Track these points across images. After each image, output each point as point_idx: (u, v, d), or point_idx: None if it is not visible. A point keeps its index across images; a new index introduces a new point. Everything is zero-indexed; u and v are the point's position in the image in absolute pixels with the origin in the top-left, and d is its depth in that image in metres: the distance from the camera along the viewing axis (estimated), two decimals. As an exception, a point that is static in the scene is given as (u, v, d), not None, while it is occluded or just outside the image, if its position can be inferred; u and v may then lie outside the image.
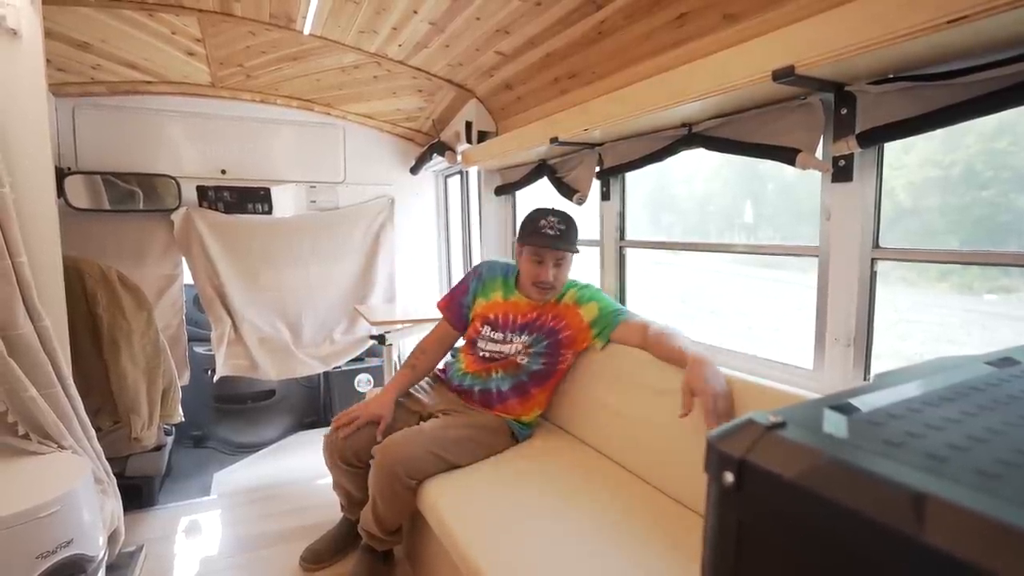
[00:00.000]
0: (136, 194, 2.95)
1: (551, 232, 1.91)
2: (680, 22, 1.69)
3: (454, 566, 1.48)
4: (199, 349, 3.28)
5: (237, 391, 3.32)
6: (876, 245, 1.39)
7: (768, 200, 2.71)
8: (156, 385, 2.40)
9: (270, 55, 2.72)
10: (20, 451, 1.52)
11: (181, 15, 2.32)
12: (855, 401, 0.47)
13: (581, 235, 2.06)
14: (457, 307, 2.17)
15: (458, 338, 2.20)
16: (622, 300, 2.35)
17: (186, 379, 3.04)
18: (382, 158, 3.66)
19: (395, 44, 2.55)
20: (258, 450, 3.25)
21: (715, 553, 0.43)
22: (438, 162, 3.32)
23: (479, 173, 3.14)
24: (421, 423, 1.93)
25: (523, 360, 2.00)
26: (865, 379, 1.44)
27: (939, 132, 1.26)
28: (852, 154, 1.35)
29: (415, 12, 2.19)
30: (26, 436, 1.52)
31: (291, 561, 2.07)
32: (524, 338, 2.01)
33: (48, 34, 2.19)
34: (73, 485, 1.41)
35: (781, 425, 0.41)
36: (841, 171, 1.39)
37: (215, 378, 3.10)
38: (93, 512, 1.50)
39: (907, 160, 1.69)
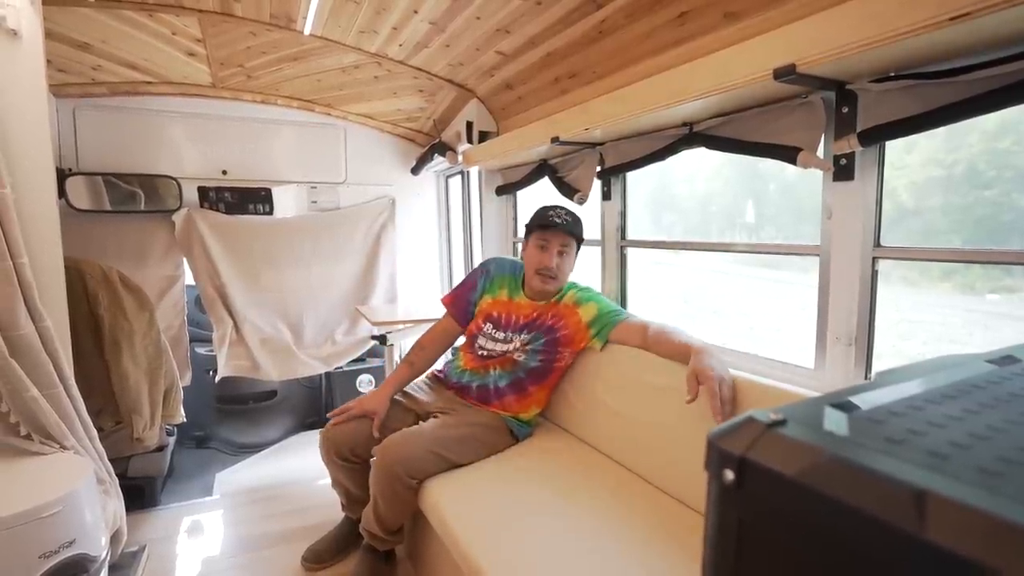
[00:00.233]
0: (137, 195, 2.95)
1: (558, 220, 1.97)
2: (681, 21, 1.69)
3: (456, 565, 1.48)
4: (201, 350, 3.28)
5: (239, 391, 3.33)
6: (877, 244, 1.39)
7: (769, 199, 2.71)
8: (158, 386, 2.41)
9: (271, 55, 2.73)
10: (22, 451, 1.53)
11: (181, 15, 2.33)
12: (856, 399, 0.46)
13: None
14: (463, 303, 2.18)
15: (460, 334, 2.20)
16: (623, 300, 2.34)
17: (188, 380, 3.04)
18: (383, 158, 3.66)
19: (395, 44, 2.55)
20: (260, 450, 3.25)
21: (716, 551, 0.43)
22: (439, 162, 3.32)
23: (480, 173, 3.14)
24: (420, 423, 1.93)
25: (520, 357, 2.01)
26: (866, 379, 1.44)
27: (941, 131, 1.25)
28: (853, 153, 1.35)
29: (415, 12, 2.19)
30: (28, 436, 1.53)
31: (293, 561, 2.07)
32: (523, 336, 2.01)
33: (48, 35, 2.19)
34: (75, 485, 1.42)
35: (782, 423, 0.41)
36: (842, 170, 1.38)
37: (217, 379, 3.10)
38: (95, 512, 1.50)
39: (909, 159, 1.68)
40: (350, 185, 3.56)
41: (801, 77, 1.24)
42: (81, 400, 1.65)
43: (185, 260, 3.13)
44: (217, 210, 3.16)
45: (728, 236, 3.18)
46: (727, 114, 1.67)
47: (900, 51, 1.08)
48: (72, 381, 1.63)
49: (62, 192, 2.67)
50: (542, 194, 2.69)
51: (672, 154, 1.88)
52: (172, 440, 2.76)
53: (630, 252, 2.33)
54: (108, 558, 1.55)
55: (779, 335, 3.16)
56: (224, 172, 3.23)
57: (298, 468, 2.97)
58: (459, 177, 3.61)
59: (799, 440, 0.39)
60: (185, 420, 2.61)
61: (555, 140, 2.13)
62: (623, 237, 2.32)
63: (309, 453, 3.07)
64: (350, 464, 1.95)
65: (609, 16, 1.86)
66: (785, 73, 1.23)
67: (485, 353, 2.07)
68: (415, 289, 3.82)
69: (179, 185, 2.99)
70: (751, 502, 0.40)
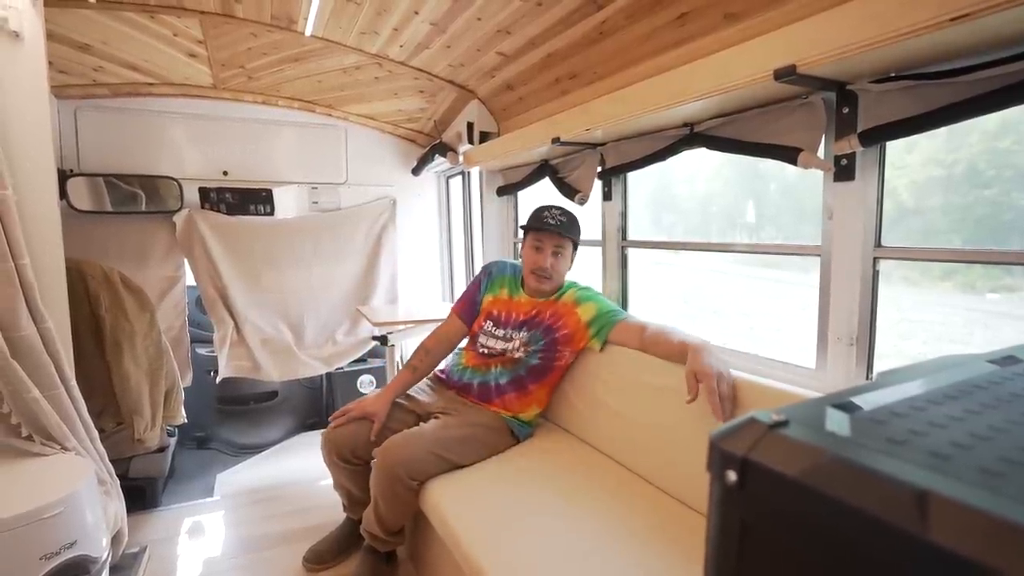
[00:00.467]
0: (138, 196, 2.95)
1: (552, 221, 1.99)
2: (681, 22, 1.69)
3: (457, 566, 1.48)
4: (201, 350, 3.28)
5: (240, 392, 3.33)
6: (878, 244, 1.39)
7: (770, 200, 2.71)
8: (159, 386, 2.41)
9: (271, 56, 2.73)
10: (23, 453, 1.53)
11: (183, 17, 2.33)
12: (858, 399, 0.46)
13: (583, 235, 2.10)
14: (470, 305, 2.21)
15: (465, 334, 2.21)
16: (624, 300, 2.35)
17: (189, 380, 3.04)
18: (384, 159, 3.66)
19: (396, 45, 2.55)
20: (261, 451, 3.26)
21: (718, 552, 0.43)
22: (440, 163, 3.32)
23: (481, 174, 3.14)
24: (421, 424, 1.93)
25: (521, 355, 2.01)
26: (867, 378, 1.44)
27: (941, 131, 1.25)
28: (854, 153, 1.35)
29: (416, 13, 2.19)
30: (29, 438, 1.53)
31: (294, 562, 2.07)
32: (523, 334, 2.02)
33: (50, 36, 2.20)
34: (76, 486, 1.42)
35: (783, 424, 0.41)
36: (843, 170, 1.38)
37: (218, 379, 3.10)
38: (96, 513, 1.50)
39: (909, 159, 1.68)
40: (351, 186, 3.56)
41: (801, 78, 1.24)
42: (82, 401, 1.65)
43: (186, 261, 3.13)
44: (218, 211, 3.16)
45: (729, 236, 3.18)
46: (728, 115, 1.67)
47: (901, 51, 1.08)
48: (73, 382, 1.63)
49: (63, 193, 2.67)
50: (543, 195, 2.70)
51: (673, 154, 1.88)
52: (173, 441, 2.76)
53: (631, 252, 2.33)
54: (109, 559, 1.55)
55: (780, 335, 3.16)
56: (225, 173, 3.23)
57: (299, 469, 2.97)
58: (460, 178, 3.61)
59: (801, 441, 0.39)
60: (186, 421, 2.61)
61: (556, 141, 2.14)
62: (624, 237, 2.32)
63: (310, 454, 3.07)
64: (351, 465, 1.95)
65: (609, 17, 1.86)
66: (785, 74, 1.23)
67: (486, 351, 2.08)
68: (416, 290, 3.82)
69: (180, 186, 2.99)
70: (753, 503, 0.40)
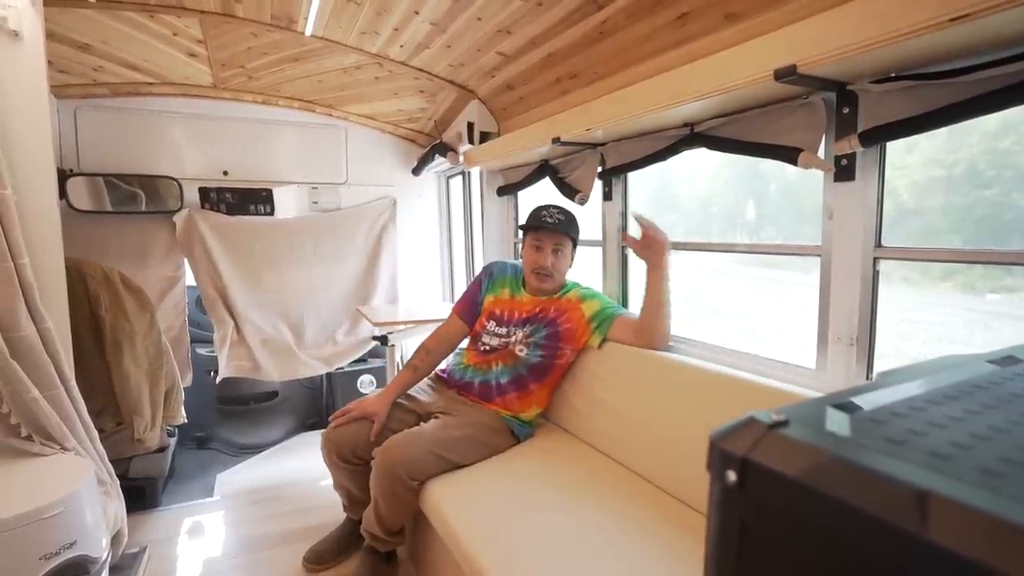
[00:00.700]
0: (138, 196, 2.95)
1: (551, 220, 2.01)
2: (681, 22, 1.69)
3: (457, 566, 1.48)
4: (201, 350, 3.28)
5: (240, 392, 3.33)
6: (878, 244, 1.38)
7: (770, 200, 2.71)
8: (159, 386, 2.41)
9: (272, 56, 2.73)
10: (23, 453, 1.53)
11: (182, 16, 2.33)
12: (858, 399, 0.46)
13: (583, 236, 2.11)
14: (471, 305, 2.22)
15: (466, 334, 2.21)
16: (624, 300, 2.34)
17: (189, 380, 3.04)
18: (384, 159, 3.66)
19: (396, 45, 2.55)
20: (261, 451, 3.26)
21: (718, 552, 0.43)
22: (440, 163, 3.32)
23: (481, 174, 3.14)
24: (421, 424, 1.93)
25: (522, 352, 2.02)
26: (868, 378, 1.43)
27: (942, 131, 1.25)
28: (854, 153, 1.35)
29: (416, 13, 2.19)
30: (29, 438, 1.53)
31: (294, 562, 2.07)
32: (526, 329, 2.03)
33: (49, 36, 2.20)
34: (76, 487, 1.42)
35: (783, 423, 0.41)
36: (843, 170, 1.38)
37: (218, 379, 3.10)
38: (96, 513, 1.50)
39: (910, 160, 1.68)
40: (351, 186, 3.56)
41: (802, 78, 1.24)
42: (82, 401, 1.65)
43: (186, 261, 3.13)
44: (218, 211, 3.16)
45: (729, 236, 3.18)
46: (728, 115, 1.67)
47: (901, 52, 1.08)
48: (73, 382, 1.63)
49: (63, 193, 2.67)
50: (543, 195, 2.69)
51: (673, 154, 1.88)
52: (173, 441, 2.76)
53: (631, 252, 2.33)
54: (109, 559, 1.55)
55: (780, 335, 3.16)
56: (225, 173, 3.23)
57: (299, 469, 2.97)
58: (460, 178, 3.61)
59: (801, 441, 0.39)
60: (186, 421, 2.61)
61: (556, 141, 2.14)
62: (624, 238, 2.32)
63: (310, 454, 3.07)
64: (351, 465, 1.95)
65: (610, 17, 1.86)
66: (786, 74, 1.23)
67: (488, 348, 2.08)
68: (416, 290, 3.82)
69: (180, 186, 2.99)
70: (753, 503, 0.40)
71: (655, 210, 2.95)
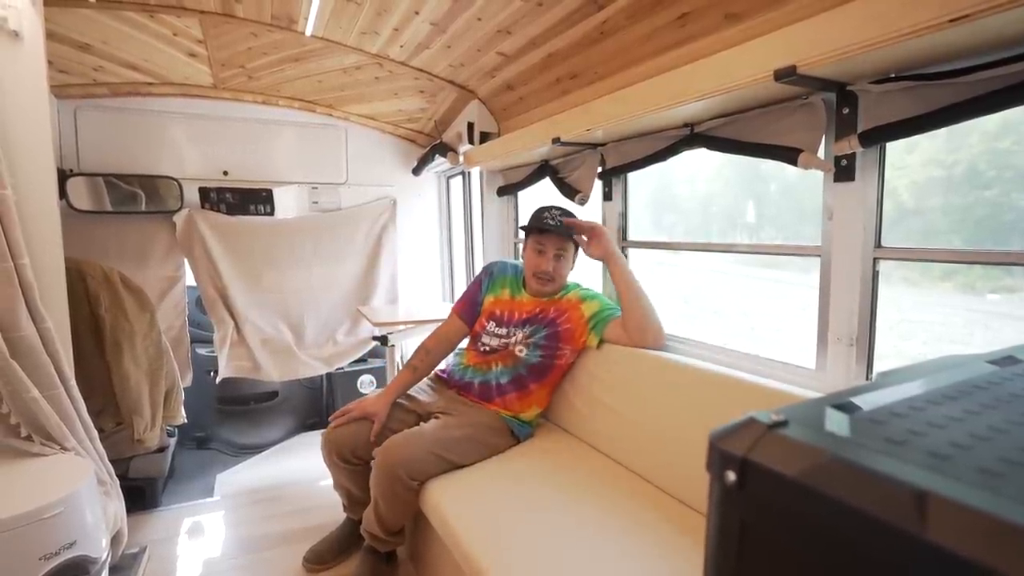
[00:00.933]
0: (138, 196, 2.95)
1: (553, 223, 2.00)
2: (682, 22, 1.69)
3: (457, 566, 1.48)
4: (201, 350, 3.28)
5: (240, 392, 3.33)
6: (878, 244, 1.38)
7: (770, 200, 2.71)
8: (159, 387, 2.41)
9: (272, 56, 2.73)
10: (23, 453, 1.53)
11: (183, 16, 2.33)
12: (857, 400, 0.46)
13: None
14: (471, 305, 2.21)
15: (465, 334, 2.21)
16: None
17: (189, 380, 3.04)
18: (384, 159, 3.66)
19: (397, 45, 2.55)
20: (261, 451, 3.26)
21: (718, 552, 0.43)
22: (440, 163, 3.32)
23: (481, 174, 3.14)
24: (421, 424, 1.93)
25: (521, 352, 2.02)
26: (867, 379, 1.43)
27: (942, 132, 1.25)
28: (854, 153, 1.35)
29: (416, 13, 2.19)
30: (29, 438, 1.53)
31: (294, 562, 2.07)
32: (526, 329, 2.03)
33: (49, 36, 2.20)
34: (76, 487, 1.42)
35: (783, 424, 0.41)
36: (843, 171, 1.38)
37: (218, 379, 3.10)
38: (96, 514, 1.50)
39: (910, 160, 1.68)
40: (351, 186, 3.56)
41: (802, 78, 1.24)
42: (82, 401, 1.65)
43: (186, 261, 3.13)
44: (218, 211, 3.16)
45: (729, 237, 3.18)
46: (728, 115, 1.67)
47: (901, 52, 1.08)
48: (73, 382, 1.63)
49: (63, 193, 2.67)
50: (543, 195, 2.69)
51: (673, 155, 1.88)
52: (173, 441, 2.76)
53: (631, 253, 2.33)
54: (109, 559, 1.55)
55: (780, 335, 3.16)
56: (225, 173, 3.23)
57: (299, 469, 2.97)
58: (460, 178, 3.61)
59: (801, 441, 0.39)
60: (186, 421, 2.61)
61: (556, 141, 2.14)
62: (624, 238, 2.32)
63: (310, 454, 3.07)
64: (351, 465, 1.95)
65: (610, 17, 1.86)
66: (786, 74, 1.23)
67: (488, 349, 2.08)
68: (416, 290, 3.83)
69: (180, 186, 2.99)
70: (753, 503, 0.40)
71: (655, 210, 2.95)
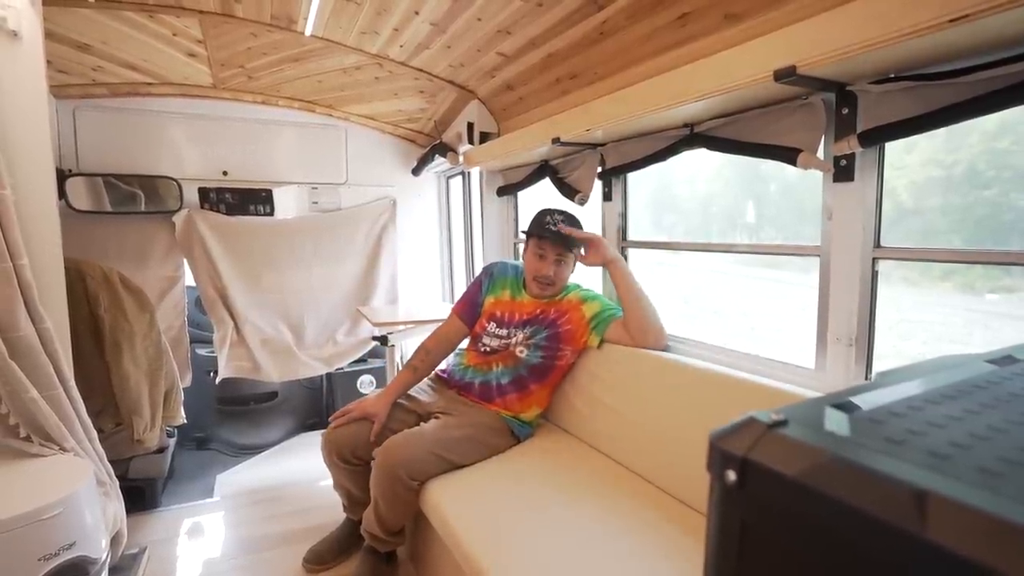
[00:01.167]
0: (138, 196, 2.95)
1: (554, 229, 2.00)
2: (682, 22, 1.69)
3: (457, 566, 1.48)
4: (201, 351, 3.28)
5: (239, 393, 3.32)
6: (877, 244, 1.39)
7: (770, 200, 2.71)
8: (158, 387, 2.41)
9: (271, 56, 2.73)
10: (22, 453, 1.53)
11: (182, 16, 2.33)
12: (857, 399, 0.46)
13: None
14: (471, 306, 2.21)
15: (465, 335, 2.21)
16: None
17: (188, 381, 3.04)
18: (384, 159, 3.66)
19: (396, 45, 2.55)
20: (261, 452, 3.25)
21: (718, 551, 0.43)
22: (440, 163, 3.32)
23: (481, 174, 3.14)
24: (421, 424, 1.93)
25: (522, 353, 2.02)
26: (867, 378, 1.44)
27: (941, 132, 1.25)
28: (853, 154, 1.35)
29: (416, 13, 2.19)
30: (28, 438, 1.53)
31: (294, 563, 2.07)
32: (526, 330, 2.03)
33: (49, 36, 2.20)
34: (75, 487, 1.41)
35: (783, 423, 0.41)
36: (842, 171, 1.38)
37: (217, 380, 3.10)
38: (95, 514, 1.50)
39: (909, 160, 1.68)
40: (351, 186, 3.56)
41: (801, 78, 1.24)
42: (81, 402, 1.65)
43: (185, 261, 3.13)
44: (218, 211, 3.16)
45: (729, 237, 3.18)
46: (728, 115, 1.67)
47: (900, 52, 1.09)
48: (72, 383, 1.63)
49: (62, 193, 2.67)
50: (543, 195, 2.70)
51: (673, 155, 1.88)
52: (172, 442, 2.76)
53: (631, 253, 2.33)
54: (108, 560, 1.55)
55: (779, 335, 3.16)
56: (225, 173, 3.23)
57: (299, 469, 2.97)
58: (460, 178, 3.61)
59: (800, 441, 0.39)
60: (185, 421, 2.61)
61: (556, 141, 2.14)
62: (624, 238, 2.32)
63: (310, 454, 3.07)
64: (351, 466, 1.95)
65: (610, 17, 1.86)
66: (785, 74, 1.23)
67: (488, 349, 2.08)
68: (416, 290, 3.83)
69: (179, 186, 2.99)
70: (753, 503, 0.40)
71: (655, 210, 2.95)
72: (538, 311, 2.05)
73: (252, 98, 3.23)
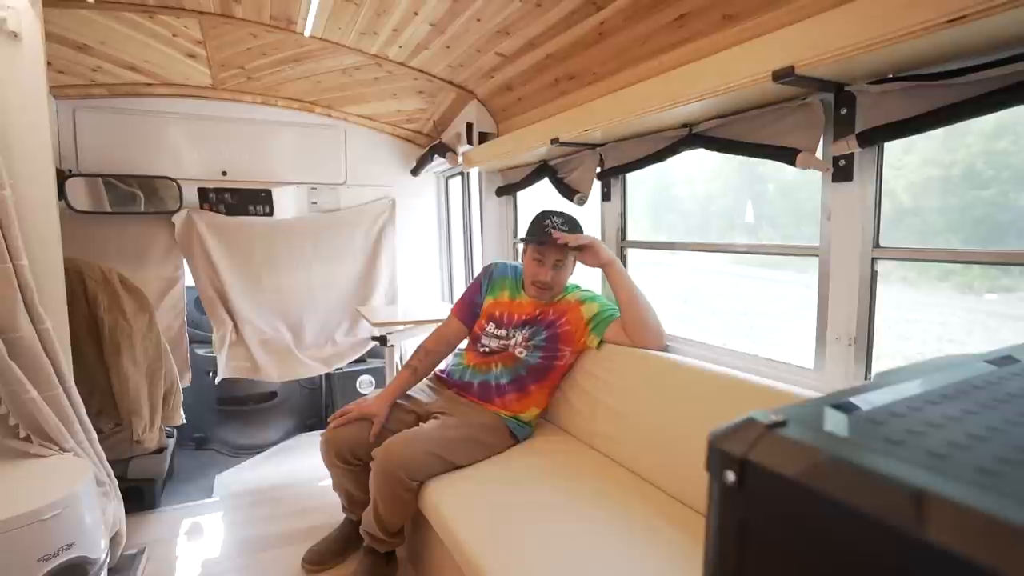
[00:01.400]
0: (137, 196, 2.95)
1: (552, 236, 1.97)
2: (680, 23, 1.69)
3: (457, 567, 1.48)
4: (200, 351, 3.28)
5: (239, 393, 3.32)
6: (876, 245, 1.39)
7: (769, 200, 2.71)
8: (158, 387, 2.41)
9: (271, 57, 2.73)
10: (21, 453, 1.53)
11: (182, 17, 2.33)
12: (856, 399, 0.47)
13: None
14: (470, 306, 2.21)
15: (465, 336, 2.21)
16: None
17: (188, 381, 3.03)
18: (383, 159, 3.66)
19: (396, 46, 2.55)
20: (260, 452, 3.25)
21: (717, 552, 0.43)
22: (439, 163, 3.32)
23: (480, 174, 3.14)
24: (420, 424, 1.93)
25: (521, 353, 2.02)
26: (866, 378, 1.44)
27: (939, 132, 1.26)
28: (852, 154, 1.35)
29: (415, 14, 2.19)
30: (27, 438, 1.53)
31: (293, 563, 2.07)
32: (525, 331, 2.03)
33: (48, 36, 2.20)
34: (75, 487, 1.42)
35: (782, 424, 0.41)
36: (841, 171, 1.39)
37: (217, 380, 3.10)
38: (95, 515, 1.50)
39: (907, 160, 1.68)
40: (350, 186, 3.56)
41: (800, 79, 1.24)
42: (80, 402, 1.65)
43: (185, 261, 3.13)
44: (217, 211, 3.16)
45: (728, 237, 3.18)
46: (726, 115, 1.67)
47: (898, 53, 1.09)
48: (71, 383, 1.63)
49: (62, 193, 2.67)
50: (542, 195, 2.70)
51: (672, 155, 1.88)
52: (172, 442, 2.76)
53: (630, 253, 2.33)
54: (107, 560, 1.55)
55: (779, 335, 3.16)
56: (224, 173, 3.23)
57: (298, 470, 2.97)
58: (459, 178, 3.61)
59: (800, 441, 0.39)
60: (185, 422, 2.61)
61: (555, 141, 2.14)
62: (623, 238, 2.32)
63: (309, 454, 3.07)
64: (351, 466, 1.95)
65: (609, 18, 1.87)
66: (784, 75, 1.23)
67: (487, 350, 2.08)
68: (415, 290, 3.83)
69: (179, 186, 2.99)
70: (752, 503, 0.40)
71: (654, 211, 2.96)
72: (537, 312, 2.05)
73: (251, 98, 3.23)
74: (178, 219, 3.03)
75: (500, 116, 2.93)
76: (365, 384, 3.52)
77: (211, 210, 3.15)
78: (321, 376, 3.50)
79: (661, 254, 2.73)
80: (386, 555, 1.94)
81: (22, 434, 1.52)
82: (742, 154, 1.63)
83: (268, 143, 3.33)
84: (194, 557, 2.17)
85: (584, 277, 2.20)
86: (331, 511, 2.26)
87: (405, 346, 3.18)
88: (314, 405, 3.64)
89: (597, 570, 1.30)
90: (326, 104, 3.34)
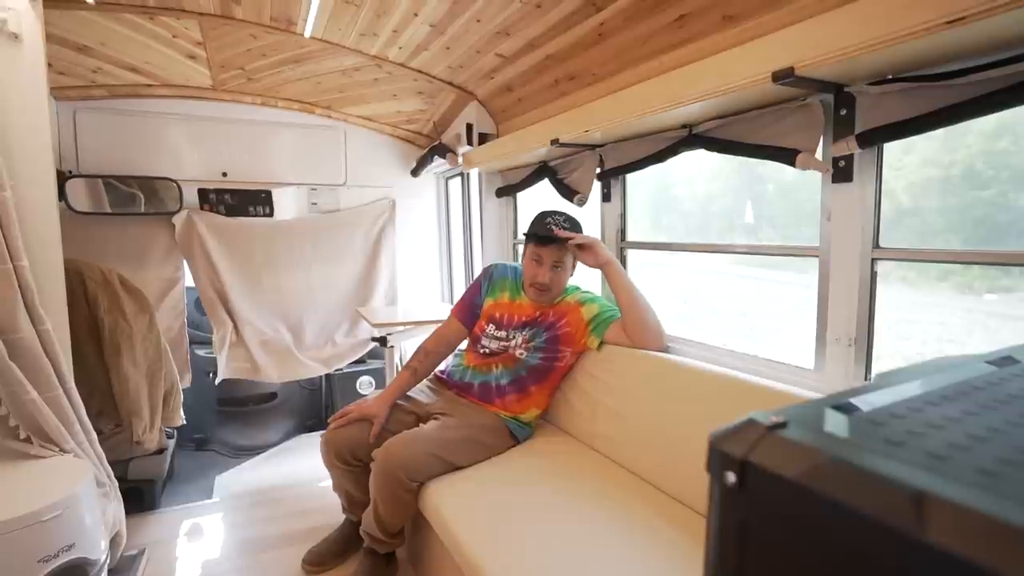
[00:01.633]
0: (137, 197, 2.95)
1: (552, 231, 1.98)
2: (680, 24, 1.69)
3: (457, 567, 1.48)
4: (201, 352, 3.28)
5: (239, 394, 3.32)
6: (876, 245, 1.39)
7: (769, 201, 2.71)
8: (158, 388, 2.41)
9: (271, 58, 2.73)
10: (22, 455, 1.53)
11: (182, 18, 2.33)
12: (856, 400, 0.47)
13: None
14: (470, 307, 2.21)
15: (465, 336, 2.21)
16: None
17: (188, 382, 3.03)
18: (383, 160, 3.66)
19: (395, 47, 2.55)
20: (260, 453, 3.25)
21: (717, 553, 0.43)
22: (439, 164, 3.33)
23: (480, 175, 3.14)
24: (420, 425, 1.93)
25: (522, 354, 2.02)
26: (866, 379, 1.44)
27: (939, 132, 1.26)
28: (852, 155, 1.35)
29: (415, 15, 2.20)
30: (27, 440, 1.53)
31: (293, 564, 2.07)
32: (525, 332, 2.03)
33: (49, 38, 2.19)
34: (75, 489, 1.42)
35: (782, 425, 0.41)
36: (841, 171, 1.39)
37: (217, 381, 3.10)
38: (95, 516, 1.50)
39: (907, 160, 1.68)
40: (350, 187, 3.56)
41: (799, 80, 1.24)
42: (81, 403, 1.65)
43: (185, 262, 3.13)
44: (217, 212, 3.16)
45: (728, 238, 3.18)
46: (726, 116, 1.68)
47: (898, 54, 1.09)
48: (72, 384, 1.63)
49: (62, 194, 2.67)
50: (542, 196, 2.70)
51: (672, 156, 1.88)
52: (172, 443, 2.76)
53: (630, 253, 2.33)
54: (107, 562, 1.55)
55: (778, 335, 3.16)
56: (224, 174, 3.23)
57: (298, 470, 2.96)
58: (459, 179, 3.61)
59: (800, 442, 0.39)
60: (185, 423, 2.61)
61: (555, 142, 2.14)
62: (623, 239, 2.32)
63: (309, 455, 3.07)
64: (351, 467, 1.95)
65: (609, 19, 1.87)
66: (784, 76, 1.23)
67: (487, 351, 2.08)
68: (415, 291, 3.83)
69: (179, 187, 2.99)
70: (753, 504, 0.40)
71: (654, 211, 2.96)
72: (537, 313, 2.05)
73: (251, 99, 3.23)
74: (178, 220, 3.04)
75: (500, 117, 2.93)
76: (365, 385, 3.52)
77: (211, 211, 3.15)
78: (321, 377, 3.50)
79: (661, 254, 2.73)
80: (386, 556, 1.94)
81: (22, 435, 1.52)
82: (742, 155, 1.63)
83: (268, 144, 3.33)
84: (194, 558, 2.16)
85: (584, 278, 2.20)
86: (331, 512, 2.26)
87: (405, 347, 3.18)
88: (314, 406, 3.64)
89: (597, 571, 1.30)
90: (326, 105, 3.35)
